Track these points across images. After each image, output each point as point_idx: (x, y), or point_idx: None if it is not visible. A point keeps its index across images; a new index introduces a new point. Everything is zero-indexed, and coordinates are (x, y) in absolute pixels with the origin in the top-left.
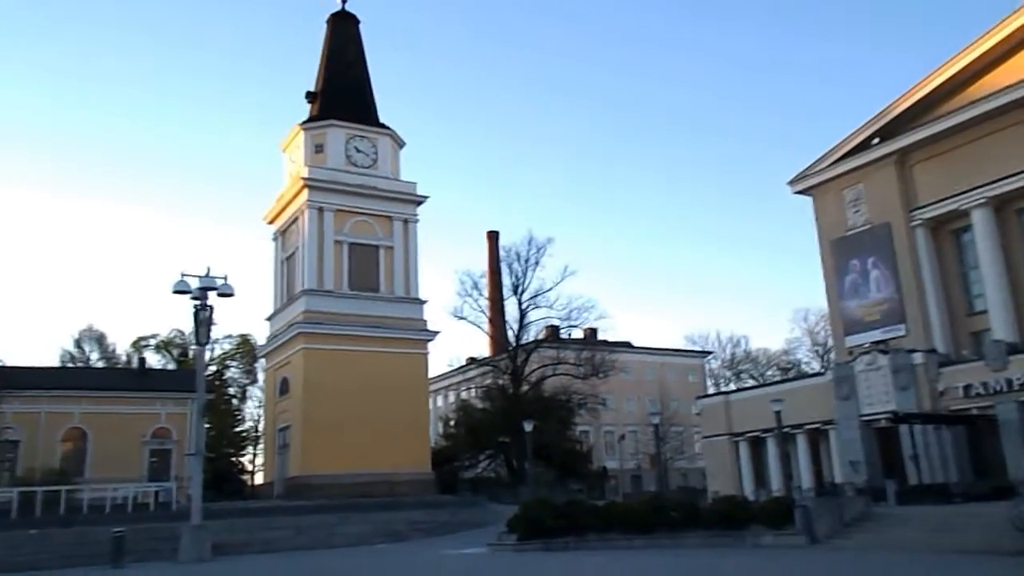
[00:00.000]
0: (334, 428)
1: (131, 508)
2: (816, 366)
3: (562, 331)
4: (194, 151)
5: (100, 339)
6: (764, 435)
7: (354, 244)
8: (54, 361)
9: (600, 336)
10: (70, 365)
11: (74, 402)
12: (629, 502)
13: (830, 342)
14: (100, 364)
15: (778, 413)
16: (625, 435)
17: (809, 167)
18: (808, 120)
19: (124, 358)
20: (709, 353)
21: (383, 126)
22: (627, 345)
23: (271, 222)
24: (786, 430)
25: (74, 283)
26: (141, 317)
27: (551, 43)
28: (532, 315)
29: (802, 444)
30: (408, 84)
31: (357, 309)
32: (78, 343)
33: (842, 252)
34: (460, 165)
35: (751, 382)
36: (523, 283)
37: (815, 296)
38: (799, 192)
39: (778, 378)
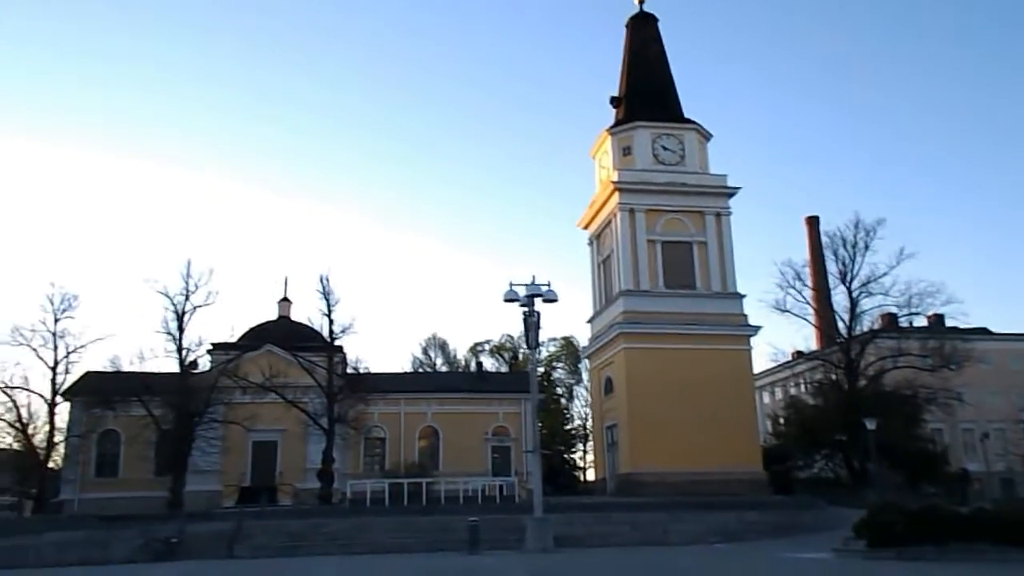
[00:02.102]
0: (660, 426)
1: (480, 500)
2: None
3: (901, 319)
4: (516, 165)
5: (443, 346)
6: None
7: (667, 242)
8: (407, 367)
9: (948, 323)
10: (420, 370)
11: (426, 403)
12: (1000, 508)
13: None
14: (444, 368)
15: None
16: (989, 433)
17: None
18: None
19: (463, 362)
20: None
21: (688, 121)
22: (983, 331)
23: (585, 227)
24: None
25: (421, 297)
26: (476, 324)
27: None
28: (864, 303)
29: None
30: (709, 75)
31: (675, 307)
32: (425, 350)
33: None
34: (771, 152)
35: None
36: (852, 270)
37: None
38: None
39: None
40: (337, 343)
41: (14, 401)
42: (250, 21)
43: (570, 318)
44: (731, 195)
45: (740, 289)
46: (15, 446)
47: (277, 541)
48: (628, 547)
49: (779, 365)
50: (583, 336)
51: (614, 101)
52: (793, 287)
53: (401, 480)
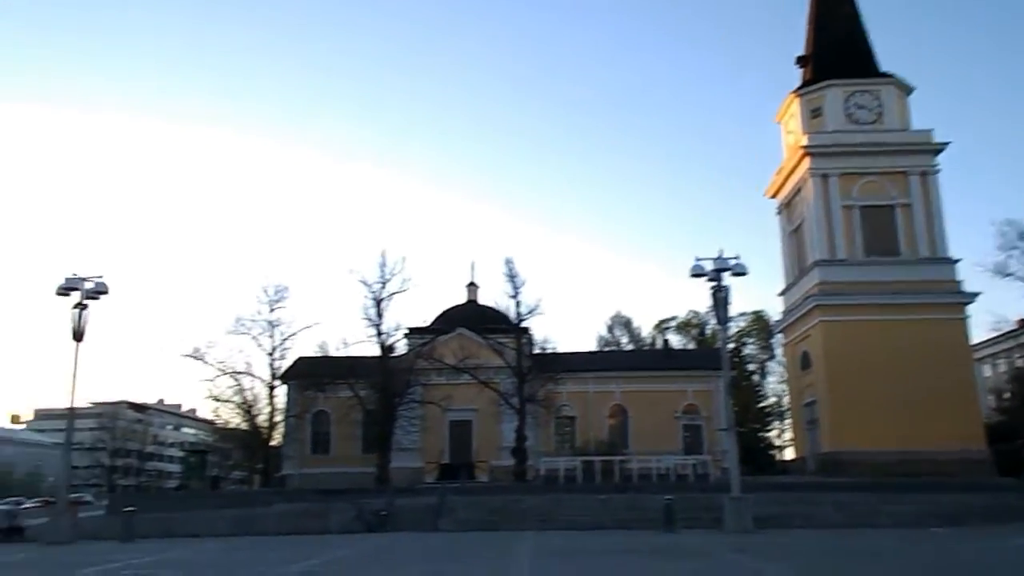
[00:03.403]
0: (864, 402)
1: (673, 479)
2: None
3: None
4: (700, 136)
5: (627, 324)
6: None
7: (865, 207)
8: (592, 346)
9: None
10: (606, 349)
11: (614, 382)
12: None
13: None
14: (629, 346)
15: None
16: None
17: None
18: None
19: (649, 340)
20: None
21: (885, 75)
22: None
23: (773, 196)
24: None
25: (604, 276)
26: (661, 301)
27: None
28: None
29: None
30: (914, 25)
31: (876, 276)
32: (610, 328)
33: None
34: (983, 101)
35: None
36: None
37: None
38: None
39: None
40: (524, 324)
41: (240, 385)
42: (469, 47)
43: (760, 291)
44: (938, 152)
45: (952, 253)
46: (243, 426)
47: (478, 515)
48: (834, 529)
49: (1002, 335)
50: (775, 310)
51: (800, 61)
52: (1016, 248)
53: (592, 458)
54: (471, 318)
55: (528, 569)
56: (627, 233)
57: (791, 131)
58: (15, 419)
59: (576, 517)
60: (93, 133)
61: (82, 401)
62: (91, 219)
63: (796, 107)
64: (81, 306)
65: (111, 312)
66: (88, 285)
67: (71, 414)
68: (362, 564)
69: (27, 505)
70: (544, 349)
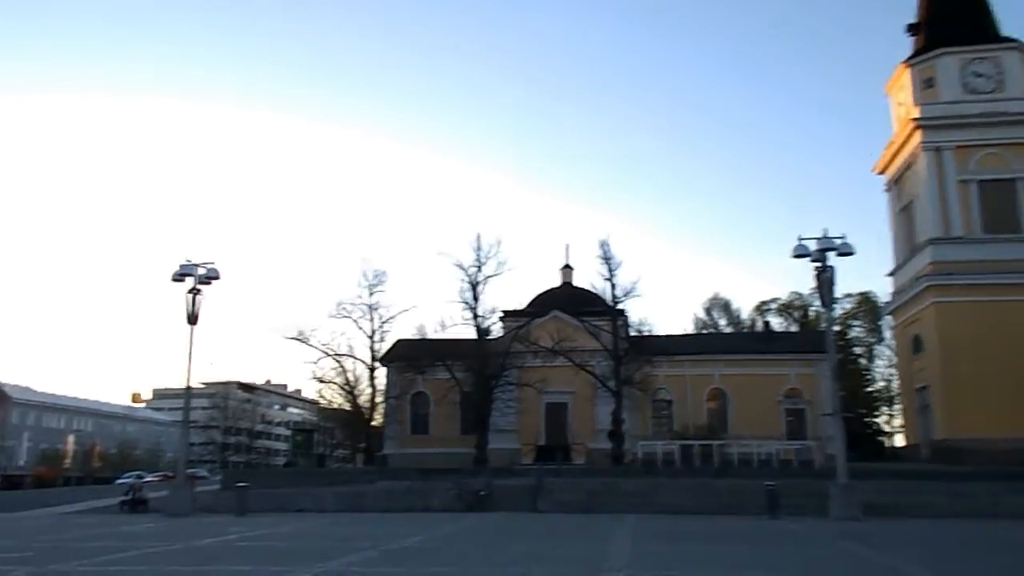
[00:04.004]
0: (982, 388)
1: (775, 464)
2: None
3: None
4: (802, 111)
5: (726, 306)
6: None
7: (983, 181)
8: (689, 328)
9: None
10: (704, 332)
11: (712, 365)
12: None
13: None
14: (728, 329)
15: None
16: None
17: None
18: None
19: (748, 322)
20: None
21: (1007, 39)
22: None
23: (881, 172)
24: None
25: (703, 258)
26: (760, 283)
27: None
28: None
29: None
30: None
31: (994, 254)
32: (708, 311)
33: None
34: None
35: None
36: None
37: None
38: None
39: None
40: (619, 307)
41: (342, 367)
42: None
43: (867, 272)
44: None
45: None
46: (345, 406)
47: (576, 497)
48: (949, 519)
49: None
50: (883, 291)
51: (911, 29)
52: None
53: (691, 442)
54: (566, 301)
55: (630, 551)
56: (725, 213)
57: (901, 103)
58: (136, 399)
59: (676, 501)
60: (206, 125)
61: (196, 381)
62: (205, 208)
63: (907, 78)
64: (194, 291)
65: (222, 296)
66: (201, 271)
67: (187, 394)
68: (467, 541)
69: (148, 478)
70: (640, 332)
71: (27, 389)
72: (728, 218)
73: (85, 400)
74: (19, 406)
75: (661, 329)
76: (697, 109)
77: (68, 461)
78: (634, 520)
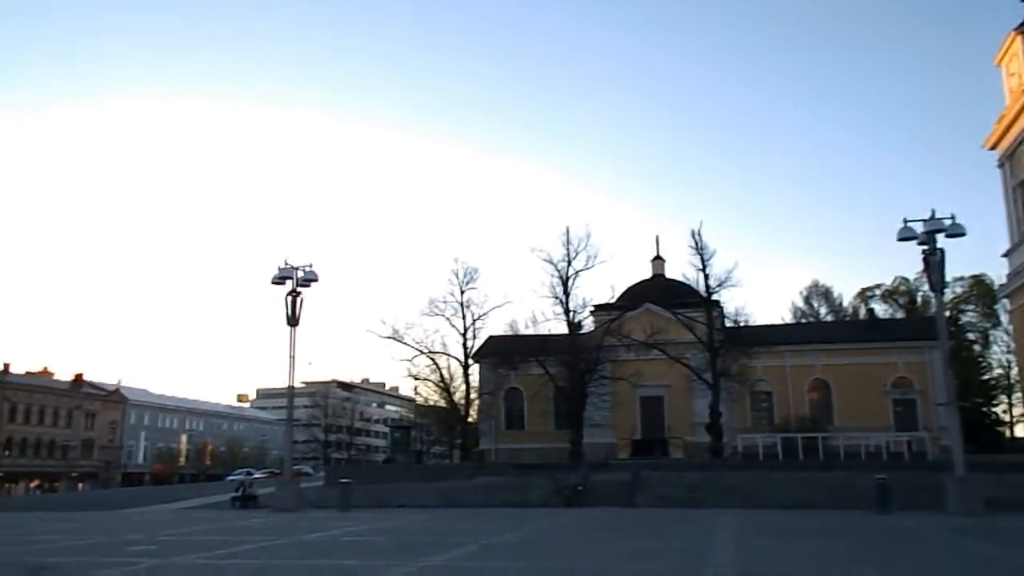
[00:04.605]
0: None
1: (884, 457)
2: None
3: None
4: (904, 86)
5: (826, 293)
6: None
7: None
8: (787, 318)
9: None
10: (803, 321)
11: (813, 355)
12: None
13: None
14: (828, 317)
15: None
16: None
17: None
18: None
19: (850, 310)
20: None
21: None
22: None
23: (993, 147)
24: None
25: (799, 244)
26: (862, 268)
27: None
28: None
29: None
30: None
31: None
32: (807, 299)
33: None
34: None
35: None
36: None
37: None
38: None
39: None
40: (714, 297)
41: (436, 364)
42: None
43: (979, 253)
44: None
45: None
46: (441, 402)
47: (675, 492)
48: None
49: None
50: (998, 273)
51: None
52: None
53: (793, 435)
54: (658, 293)
55: (734, 547)
56: (824, 196)
57: (1014, 73)
58: (241, 398)
59: (779, 496)
60: (304, 130)
61: (297, 381)
62: (305, 211)
63: (1019, 46)
64: (294, 293)
65: (321, 297)
66: (299, 274)
67: (290, 393)
68: (568, 536)
69: (257, 475)
70: (736, 322)
71: (143, 391)
72: (826, 201)
73: (196, 401)
74: (136, 407)
75: (758, 319)
76: (786, 92)
77: (182, 459)
78: (737, 515)
